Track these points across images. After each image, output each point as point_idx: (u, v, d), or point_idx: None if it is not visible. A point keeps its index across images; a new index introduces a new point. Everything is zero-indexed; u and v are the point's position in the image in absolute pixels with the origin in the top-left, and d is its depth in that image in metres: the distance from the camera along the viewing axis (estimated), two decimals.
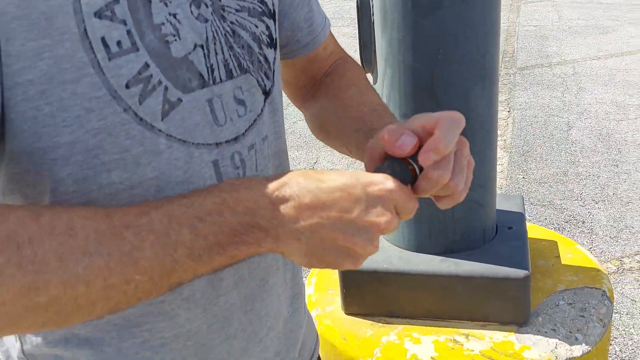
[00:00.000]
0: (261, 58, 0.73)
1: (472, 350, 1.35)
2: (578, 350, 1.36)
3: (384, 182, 0.57)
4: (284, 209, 0.57)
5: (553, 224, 3.16)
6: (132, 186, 0.61)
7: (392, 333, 1.42)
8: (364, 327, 1.44)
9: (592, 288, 1.54)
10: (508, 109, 4.75)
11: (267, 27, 0.74)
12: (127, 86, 0.58)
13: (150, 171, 0.61)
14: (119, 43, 0.57)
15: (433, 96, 1.39)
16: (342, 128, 0.81)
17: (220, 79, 0.67)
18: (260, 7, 0.72)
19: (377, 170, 0.61)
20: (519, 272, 1.39)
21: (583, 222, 3.17)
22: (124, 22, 0.57)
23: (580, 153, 3.95)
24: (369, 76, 1.50)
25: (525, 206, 3.24)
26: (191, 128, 0.63)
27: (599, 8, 8.02)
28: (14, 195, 0.62)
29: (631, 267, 2.80)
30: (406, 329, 1.43)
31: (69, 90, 0.55)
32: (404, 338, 1.40)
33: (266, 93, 0.73)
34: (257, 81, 0.72)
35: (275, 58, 0.76)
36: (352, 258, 0.58)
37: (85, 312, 0.54)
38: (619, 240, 3.01)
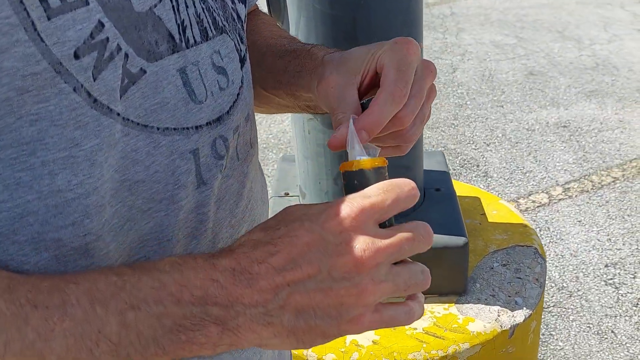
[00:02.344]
0: (234, 15, 0.57)
1: (415, 329, 1.23)
2: (520, 315, 1.28)
3: (344, 210, 0.45)
4: (240, 291, 0.43)
5: (450, 169, 3.14)
6: (86, 194, 0.45)
7: None
8: None
9: (523, 246, 1.47)
10: None
11: None
12: (77, 56, 0.42)
13: (107, 170, 0.46)
14: None
15: (355, 45, 1.20)
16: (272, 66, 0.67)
17: (195, 40, 0.51)
18: None
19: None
20: (458, 240, 1.28)
21: (477, 166, 3.18)
22: None
23: (467, 95, 3.96)
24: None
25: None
26: (156, 108, 0.48)
27: None
28: None
29: (527, 208, 2.84)
30: None
31: None
32: None
33: (242, 60, 0.58)
34: (235, 44, 0.56)
35: (245, 16, 0.60)
36: (348, 314, 0.45)
37: None
38: (513, 181, 3.05)
